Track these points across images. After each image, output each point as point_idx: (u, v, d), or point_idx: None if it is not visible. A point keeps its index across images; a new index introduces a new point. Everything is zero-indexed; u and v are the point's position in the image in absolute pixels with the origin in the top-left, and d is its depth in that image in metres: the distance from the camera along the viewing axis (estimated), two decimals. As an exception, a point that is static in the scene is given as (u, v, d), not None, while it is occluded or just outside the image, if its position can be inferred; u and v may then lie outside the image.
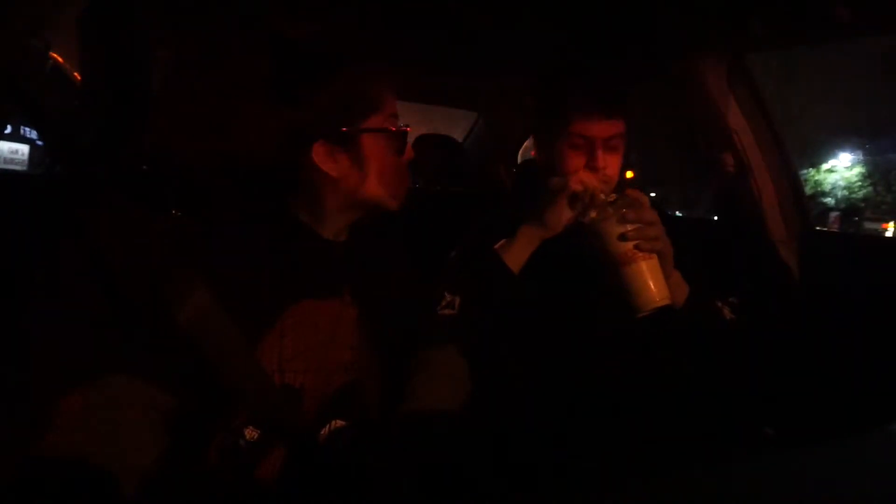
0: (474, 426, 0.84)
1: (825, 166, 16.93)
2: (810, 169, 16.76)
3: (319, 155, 0.74)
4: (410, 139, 0.86)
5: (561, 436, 0.91)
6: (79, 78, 1.09)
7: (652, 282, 0.82)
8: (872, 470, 0.34)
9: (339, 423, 0.74)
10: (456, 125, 2.50)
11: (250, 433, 0.70)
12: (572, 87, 0.96)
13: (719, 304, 0.97)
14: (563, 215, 0.91)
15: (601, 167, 0.93)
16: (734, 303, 0.99)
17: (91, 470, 0.58)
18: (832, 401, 1.08)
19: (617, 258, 0.83)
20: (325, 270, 0.78)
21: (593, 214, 0.86)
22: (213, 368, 0.65)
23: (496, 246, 0.95)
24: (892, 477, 0.34)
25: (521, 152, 2.41)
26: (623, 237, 0.83)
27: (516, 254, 0.93)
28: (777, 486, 0.32)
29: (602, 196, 0.88)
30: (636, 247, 0.82)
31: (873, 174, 16.21)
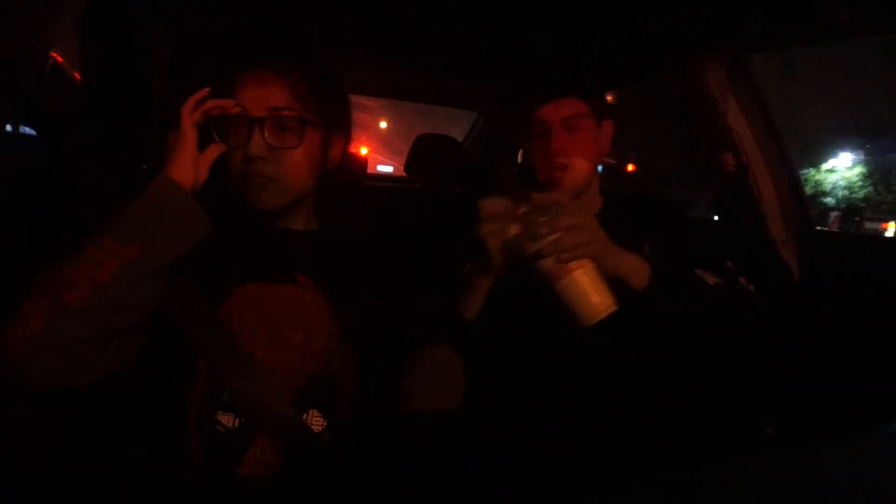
0: (472, 425, 0.84)
1: (825, 166, 16.92)
2: (810, 169, 16.75)
3: None
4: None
5: (558, 435, 0.91)
6: (79, 78, 1.10)
7: (590, 292, 0.71)
8: (872, 470, 0.34)
9: (316, 413, 0.76)
10: (456, 125, 2.51)
11: (226, 419, 0.71)
12: (535, 80, 0.99)
13: (699, 273, 0.88)
14: (496, 257, 0.82)
15: (557, 149, 0.94)
16: (729, 267, 0.92)
17: None
18: (832, 401, 1.08)
19: (546, 276, 0.73)
20: (275, 255, 0.81)
21: (515, 230, 0.78)
22: (180, 332, 0.71)
23: (462, 272, 0.91)
24: (893, 477, 0.34)
25: (520, 152, 2.41)
26: (540, 254, 0.72)
27: (471, 303, 0.88)
28: (777, 486, 0.32)
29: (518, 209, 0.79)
30: (559, 260, 0.72)
31: (873, 174, 16.20)
